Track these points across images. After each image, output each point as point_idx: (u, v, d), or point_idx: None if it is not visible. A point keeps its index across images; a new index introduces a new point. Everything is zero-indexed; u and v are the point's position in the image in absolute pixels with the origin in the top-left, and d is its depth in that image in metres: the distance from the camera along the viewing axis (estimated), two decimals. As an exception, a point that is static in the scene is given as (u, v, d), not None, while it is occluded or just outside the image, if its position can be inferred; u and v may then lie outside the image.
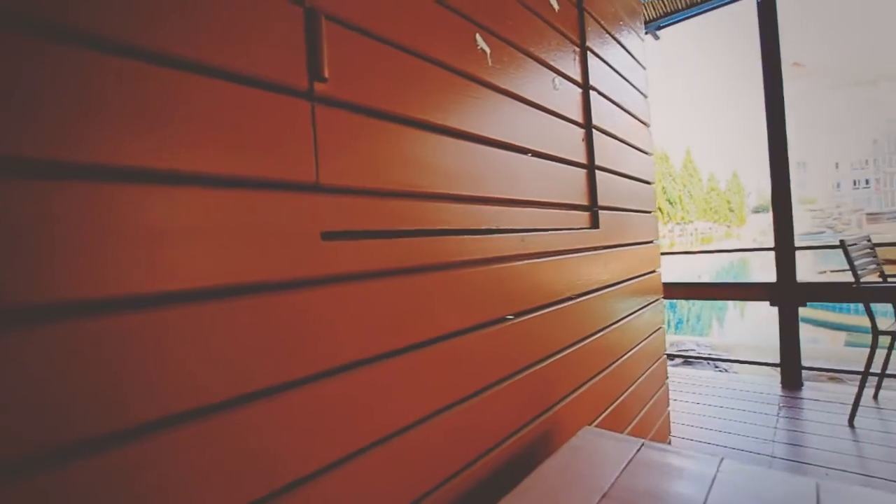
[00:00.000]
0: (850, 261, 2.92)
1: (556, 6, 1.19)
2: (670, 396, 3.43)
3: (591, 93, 1.33)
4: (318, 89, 0.59)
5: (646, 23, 4.24)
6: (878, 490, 0.68)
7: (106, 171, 0.42)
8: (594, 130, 1.32)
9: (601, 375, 1.34)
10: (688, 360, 5.65)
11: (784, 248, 3.48)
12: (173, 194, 0.46)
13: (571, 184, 1.24)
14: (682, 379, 3.93)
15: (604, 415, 1.33)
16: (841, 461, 2.41)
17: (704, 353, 6.56)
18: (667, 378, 1.84)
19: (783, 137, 3.48)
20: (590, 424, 1.26)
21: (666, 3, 3.97)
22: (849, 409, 2.85)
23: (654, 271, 1.77)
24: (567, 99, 1.23)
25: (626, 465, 0.79)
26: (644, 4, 3.97)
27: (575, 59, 1.28)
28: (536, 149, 1.09)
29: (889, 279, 3.22)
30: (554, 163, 1.16)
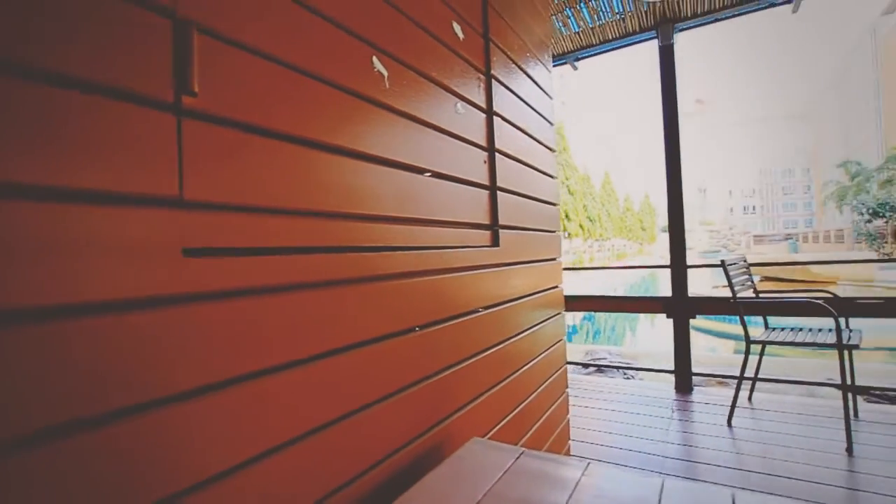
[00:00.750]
0: (728, 279, 3.30)
1: (460, 35, 1.25)
2: (582, 404, 3.65)
3: (495, 118, 1.40)
4: (187, 103, 0.58)
5: (564, 53, 4.54)
6: (714, 484, 0.78)
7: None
8: (497, 154, 1.40)
9: (500, 386, 1.40)
10: (600, 369, 6.05)
11: (677, 267, 3.86)
12: (22, 209, 0.44)
13: (473, 203, 1.30)
14: (593, 386, 4.20)
15: (502, 423, 1.39)
16: (720, 457, 2.70)
17: (615, 361, 7.02)
18: (567, 387, 1.96)
19: (678, 169, 3.88)
20: (487, 433, 1.31)
21: (582, 37, 4.27)
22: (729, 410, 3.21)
23: (556, 287, 1.89)
24: (470, 123, 1.29)
25: (502, 475, 0.83)
26: (563, 36, 4.25)
27: (480, 86, 1.35)
28: (437, 169, 1.14)
29: (761, 295, 3.68)
30: (455, 183, 1.21)
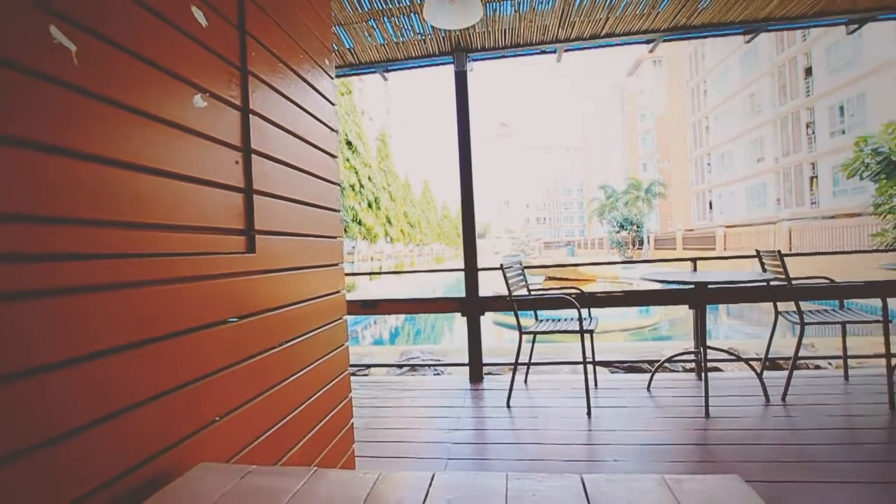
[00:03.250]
0: (505, 280, 3.81)
1: (203, 21, 1.14)
2: (386, 404, 3.74)
3: (253, 117, 1.32)
4: None
5: (373, 63, 4.65)
6: (416, 472, 0.86)
7: None
8: (255, 154, 1.32)
9: (261, 398, 1.32)
10: (413, 368, 6.35)
11: (470, 270, 4.31)
12: None
13: (221, 207, 1.19)
14: (402, 386, 4.37)
15: (262, 438, 1.31)
16: (499, 435, 3.09)
17: (427, 359, 7.44)
18: (350, 392, 1.98)
19: (470, 185, 4.32)
20: (242, 450, 1.22)
21: (388, 49, 4.43)
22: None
23: (337, 292, 1.89)
24: (217, 119, 1.19)
25: (217, 499, 0.77)
26: (370, 46, 4.34)
27: (232, 81, 1.25)
28: (165, 168, 1.01)
29: (532, 293, 4.37)
30: (193, 184, 1.09)
